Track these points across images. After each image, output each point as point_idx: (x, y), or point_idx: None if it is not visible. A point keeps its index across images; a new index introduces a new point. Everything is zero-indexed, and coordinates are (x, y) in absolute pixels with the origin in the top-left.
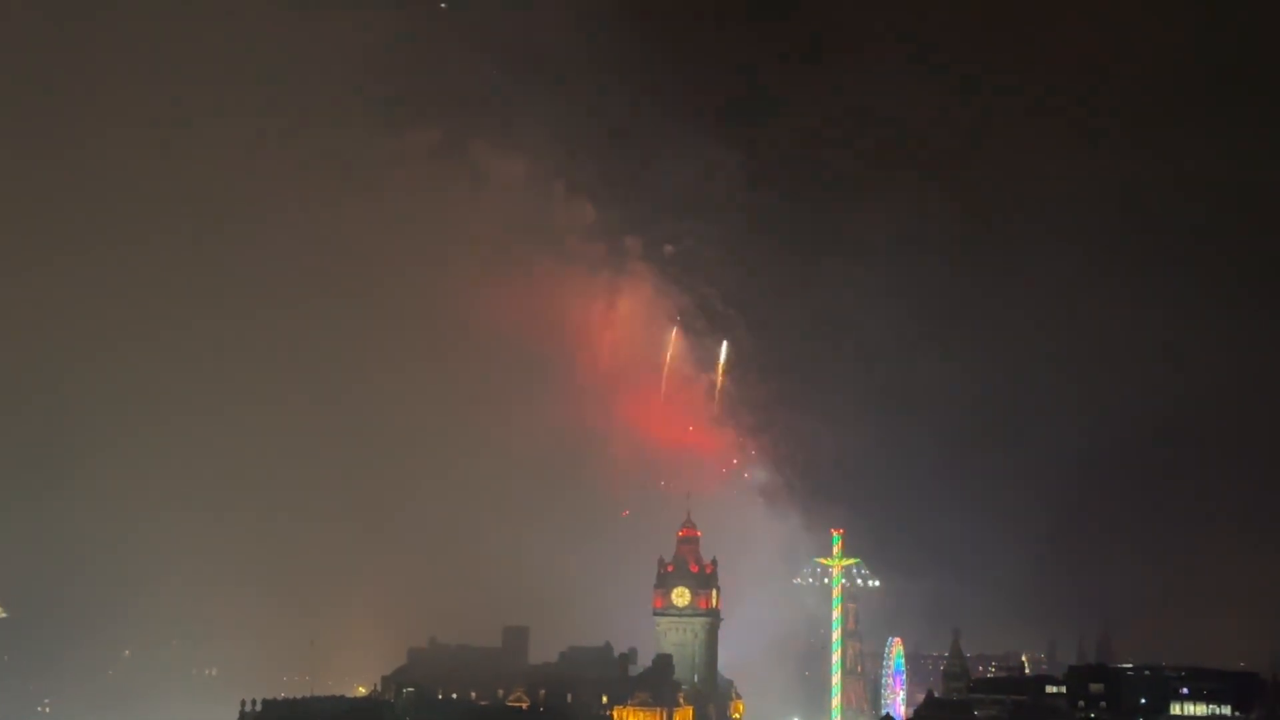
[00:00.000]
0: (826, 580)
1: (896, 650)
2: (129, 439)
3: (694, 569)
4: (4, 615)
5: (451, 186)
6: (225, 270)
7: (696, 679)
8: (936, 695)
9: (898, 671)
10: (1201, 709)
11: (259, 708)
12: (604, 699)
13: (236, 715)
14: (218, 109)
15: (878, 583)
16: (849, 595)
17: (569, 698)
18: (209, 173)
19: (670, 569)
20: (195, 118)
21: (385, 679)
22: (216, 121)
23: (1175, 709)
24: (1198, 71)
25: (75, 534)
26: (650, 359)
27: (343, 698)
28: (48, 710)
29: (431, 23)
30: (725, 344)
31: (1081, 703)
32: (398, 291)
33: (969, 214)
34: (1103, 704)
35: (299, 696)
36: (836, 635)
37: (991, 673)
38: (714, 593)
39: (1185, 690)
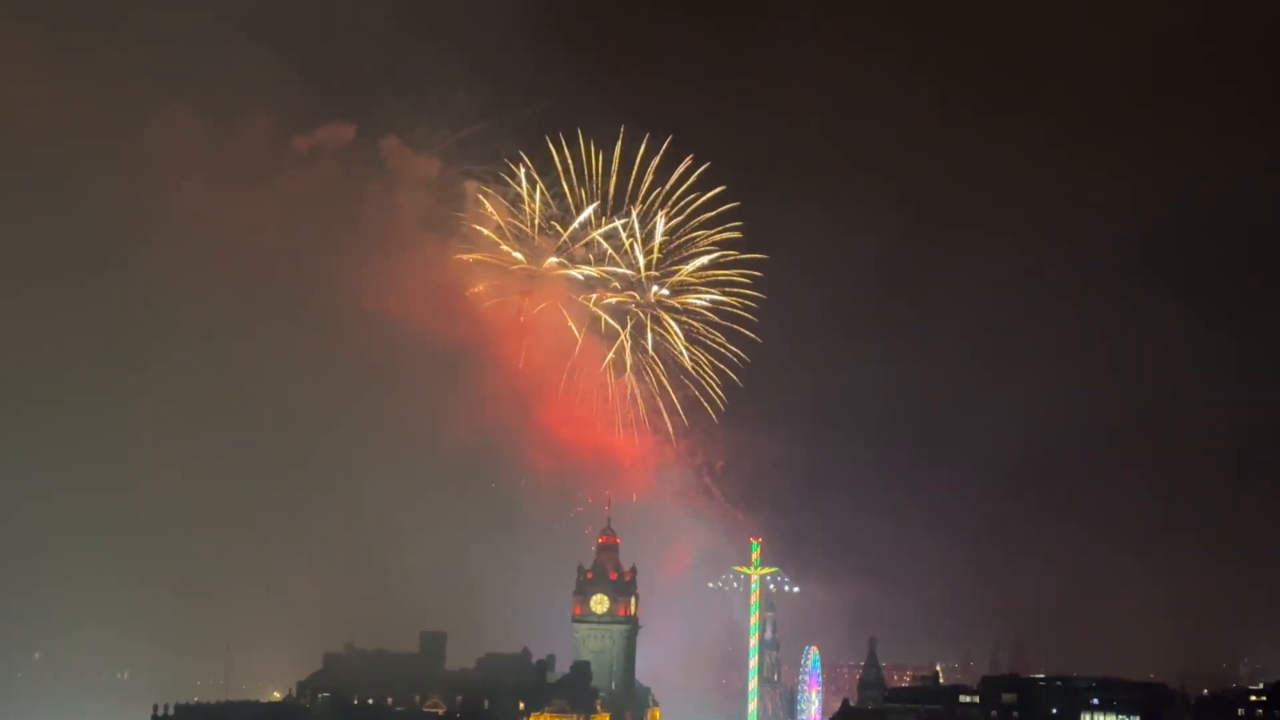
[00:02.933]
0: (744, 590)
1: (814, 654)
2: (41, 434)
3: (613, 576)
4: None
5: (362, 185)
6: (128, 266)
7: (614, 686)
8: (852, 704)
9: (814, 671)
10: (1112, 719)
11: (172, 712)
12: (521, 705)
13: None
14: (113, 98)
15: (799, 589)
16: (767, 604)
17: (486, 704)
18: (107, 165)
19: (590, 576)
20: (91, 111)
21: (301, 684)
22: (115, 109)
23: (1086, 718)
24: (1145, 74)
25: None
26: (565, 363)
27: (258, 703)
28: None
29: (349, 14)
30: (642, 349)
31: (994, 712)
32: (312, 292)
33: (897, 213)
34: (1015, 713)
35: (213, 701)
36: (754, 643)
37: (906, 681)
38: (633, 600)
39: (1096, 700)
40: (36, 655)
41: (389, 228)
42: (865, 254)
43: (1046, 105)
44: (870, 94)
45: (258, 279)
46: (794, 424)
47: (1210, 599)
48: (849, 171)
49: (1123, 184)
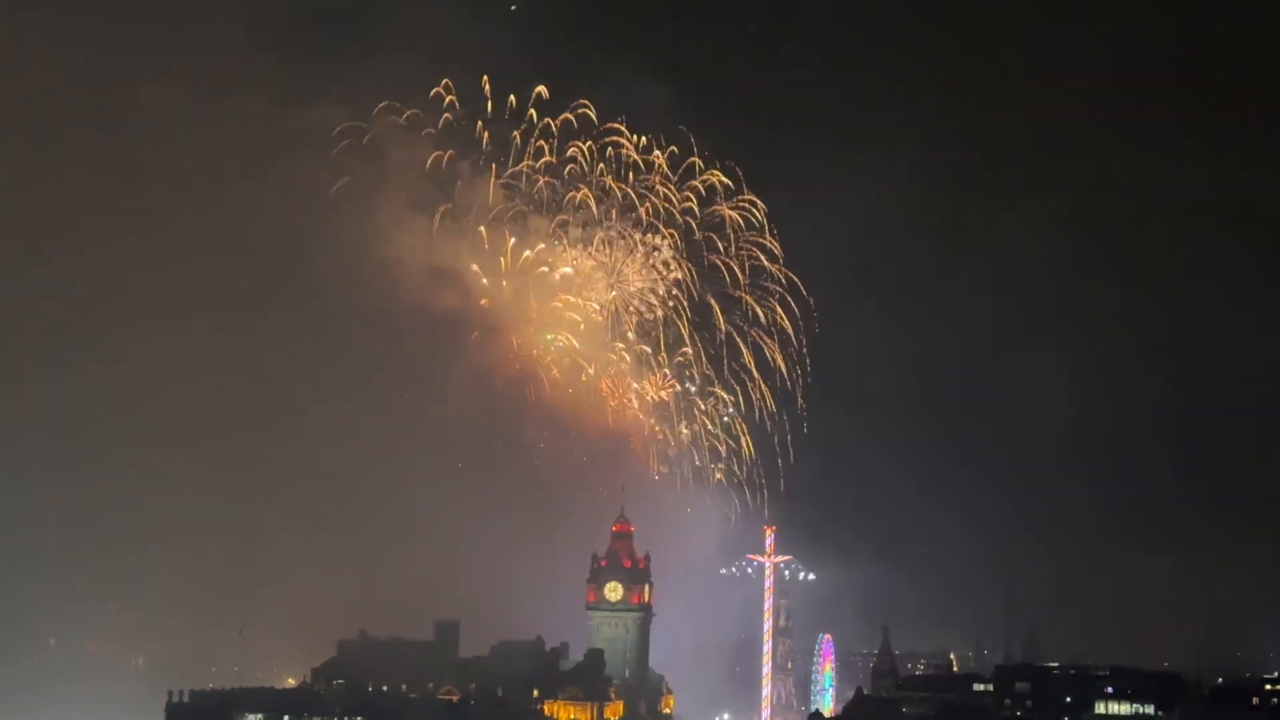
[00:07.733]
0: (758, 577)
1: (827, 642)
2: (49, 418)
3: (627, 564)
4: None
5: (357, 167)
6: (122, 249)
7: (628, 674)
8: (866, 692)
9: (827, 659)
10: (1126, 708)
11: (186, 698)
12: (535, 693)
13: (164, 706)
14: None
15: (814, 575)
16: (781, 591)
17: (499, 691)
18: (93, 148)
19: (603, 564)
20: (77, 92)
21: (315, 671)
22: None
23: (1100, 708)
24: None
25: None
26: (571, 347)
27: (272, 690)
28: None
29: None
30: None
31: (1008, 701)
32: (309, 272)
33: (927, 178)
34: (1029, 703)
35: (227, 688)
36: (768, 631)
37: (920, 670)
38: (646, 588)
39: (1110, 689)
40: (52, 641)
41: (384, 206)
42: (892, 221)
43: (1099, 71)
44: (908, 53)
45: (251, 260)
46: (811, 404)
47: (1225, 588)
48: (878, 133)
49: (1171, 163)
